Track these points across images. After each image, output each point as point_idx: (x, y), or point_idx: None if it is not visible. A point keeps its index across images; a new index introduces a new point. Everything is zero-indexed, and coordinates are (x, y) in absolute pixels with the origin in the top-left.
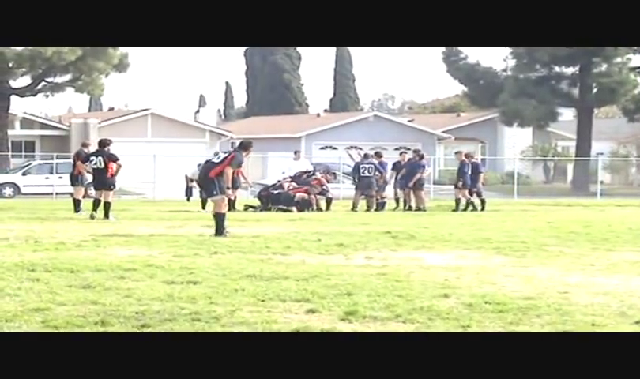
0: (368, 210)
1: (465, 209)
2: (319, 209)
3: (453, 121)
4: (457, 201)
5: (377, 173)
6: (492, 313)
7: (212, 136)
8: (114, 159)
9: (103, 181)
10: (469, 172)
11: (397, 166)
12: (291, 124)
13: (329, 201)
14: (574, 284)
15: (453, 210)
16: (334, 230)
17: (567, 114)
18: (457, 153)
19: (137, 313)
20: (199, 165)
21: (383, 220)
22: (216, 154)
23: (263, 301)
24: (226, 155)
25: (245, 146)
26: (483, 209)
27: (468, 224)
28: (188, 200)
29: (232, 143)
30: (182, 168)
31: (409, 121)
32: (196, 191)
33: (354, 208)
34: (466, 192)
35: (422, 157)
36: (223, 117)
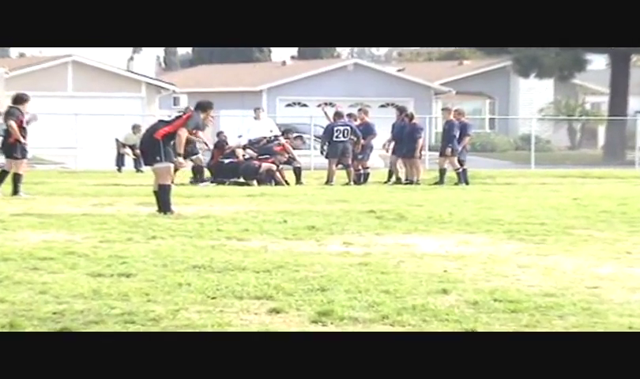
0: (347, 183)
1: (441, 181)
2: (286, 182)
3: (455, 72)
4: (442, 172)
5: (352, 136)
6: (503, 314)
7: (150, 89)
8: (12, 118)
9: (5, 147)
10: (457, 135)
11: (397, 129)
12: (249, 74)
13: (297, 172)
14: (607, 277)
15: (437, 183)
16: (304, 208)
17: (598, 62)
18: (444, 110)
19: (54, 313)
20: (134, 127)
21: (366, 196)
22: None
23: (214, 298)
24: (180, 114)
25: (204, 107)
26: (467, 182)
27: (472, 201)
28: (119, 170)
29: (175, 98)
30: (111, 130)
31: (399, 70)
32: (129, 159)
33: (329, 181)
34: (455, 160)
35: (412, 118)
36: (163, 65)
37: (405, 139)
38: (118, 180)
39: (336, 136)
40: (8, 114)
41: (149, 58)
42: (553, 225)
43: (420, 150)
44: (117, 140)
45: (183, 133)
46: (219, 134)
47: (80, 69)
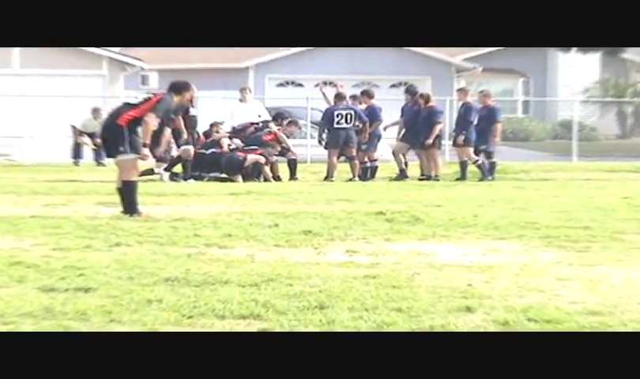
0: (351, 179)
1: (462, 176)
2: (278, 178)
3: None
4: (464, 165)
5: (357, 123)
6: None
7: (113, 65)
8: None
9: None
10: (475, 121)
11: (409, 115)
12: (233, 49)
13: (292, 165)
14: None
15: (459, 178)
16: (299, 209)
17: None
18: (460, 91)
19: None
20: (94, 110)
21: (373, 194)
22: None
23: (190, 317)
24: (149, 96)
25: (178, 88)
26: (492, 177)
27: (502, 200)
28: (76, 163)
29: (143, 76)
30: (66, 115)
31: None
32: (88, 150)
33: (329, 176)
34: (470, 150)
35: (427, 99)
36: None
37: (421, 126)
38: (75, 175)
39: (338, 123)
40: None
41: None
42: (599, 229)
43: (438, 138)
44: (73, 128)
45: (151, 120)
46: (213, 125)
47: None
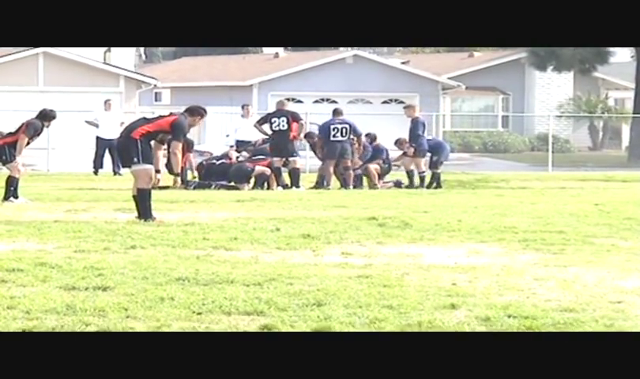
0: (344, 186)
1: (430, 184)
2: (285, 186)
3: (464, 64)
4: (411, 174)
5: (352, 136)
6: (517, 331)
7: (129, 83)
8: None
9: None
10: (423, 133)
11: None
12: (238, 68)
13: (293, 174)
14: (632, 291)
15: (407, 186)
16: (299, 215)
17: (622, 54)
18: (407, 108)
19: (24, 331)
20: (105, 102)
21: (366, 201)
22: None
23: (200, 314)
24: (164, 115)
25: (191, 112)
26: (423, 186)
27: (484, 207)
28: (96, 173)
29: (157, 93)
30: (86, 128)
31: (403, 63)
32: (108, 161)
33: (320, 182)
34: (421, 162)
35: (374, 139)
36: (144, 57)
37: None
38: (95, 184)
39: (334, 136)
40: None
41: (128, 49)
42: (573, 233)
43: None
44: (87, 122)
45: (178, 150)
46: (228, 136)
47: (51, 61)
